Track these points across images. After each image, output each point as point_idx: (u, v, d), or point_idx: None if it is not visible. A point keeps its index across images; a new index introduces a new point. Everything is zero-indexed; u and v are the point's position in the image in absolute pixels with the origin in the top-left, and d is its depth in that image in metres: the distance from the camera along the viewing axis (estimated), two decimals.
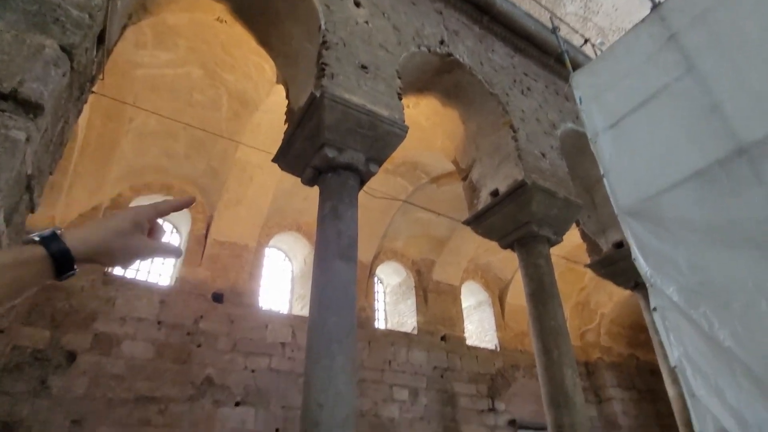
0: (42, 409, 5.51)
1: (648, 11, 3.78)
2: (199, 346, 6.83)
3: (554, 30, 5.51)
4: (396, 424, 8.14)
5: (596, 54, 6.76)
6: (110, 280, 6.63)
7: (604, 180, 3.79)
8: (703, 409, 3.19)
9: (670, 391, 6.22)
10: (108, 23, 2.95)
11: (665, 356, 6.25)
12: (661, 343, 6.37)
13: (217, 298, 7.30)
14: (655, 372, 11.98)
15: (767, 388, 2.95)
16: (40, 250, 0.63)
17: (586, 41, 7.84)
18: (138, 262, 0.74)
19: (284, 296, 8.90)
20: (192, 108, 6.81)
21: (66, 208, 6.41)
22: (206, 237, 7.63)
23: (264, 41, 5.08)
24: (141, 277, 7.33)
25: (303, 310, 8.34)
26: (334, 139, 3.91)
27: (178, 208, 0.78)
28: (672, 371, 6.22)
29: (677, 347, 3.42)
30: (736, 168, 3.28)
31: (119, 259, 0.71)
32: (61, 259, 0.64)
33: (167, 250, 0.76)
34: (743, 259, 3.21)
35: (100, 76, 3.52)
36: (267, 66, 5.85)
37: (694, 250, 3.54)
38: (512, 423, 9.69)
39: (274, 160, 4.38)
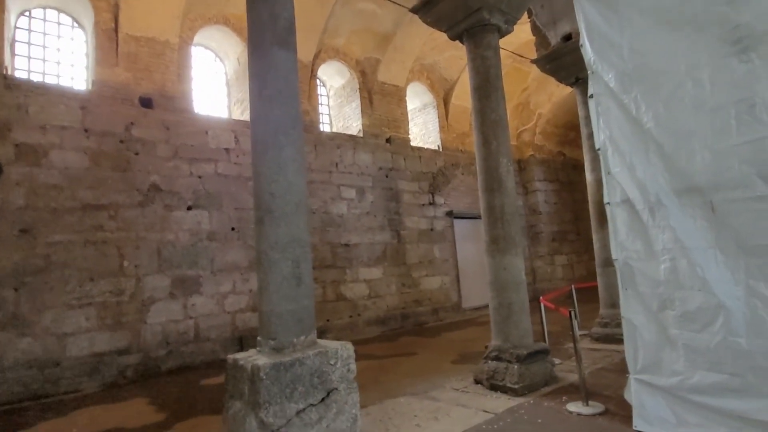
0: None
1: None
2: (137, 153, 6.58)
3: None
4: (345, 219, 8.88)
5: None
6: (15, 85, 5.84)
7: None
8: (614, 183, 3.62)
9: (588, 177, 6.99)
10: None
11: (590, 147, 6.82)
12: (588, 136, 6.89)
13: (146, 102, 6.75)
14: (577, 166, 13.36)
15: (671, 162, 3.33)
16: None
17: None
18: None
19: (221, 101, 8.40)
20: None
21: None
22: (116, 31, 6.59)
23: None
24: (50, 81, 6.50)
25: (243, 114, 8.02)
26: None
27: None
28: (592, 160, 6.91)
29: (604, 130, 3.69)
30: None
31: None
32: None
33: None
34: (682, 41, 3.24)
35: None
36: None
37: (638, 34, 3.51)
38: (449, 213, 10.88)
39: None
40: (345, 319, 8.52)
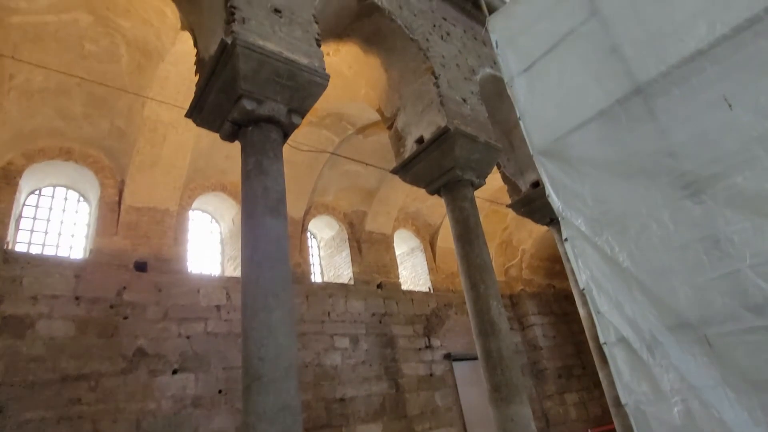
0: None
1: None
2: (125, 318, 6.50)
3: None
4: (339, 371, 8.45)
5: None
6: (13, 258, 6.00)
7: (521, 122, 3.99)
8: (606, 322, 3.63)
9: (581, 311, 6.99)
10: None
11: (576, 281, 6.97)
12: (573, 271, 7.07)
13: (141, 267, 6.90)
14: (569, 297, 13.35)
15: (656, 298, 3.41)
16: None
17: None
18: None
19: (215, 258, 8.63)
20: (85, 60, 6.07)
21: None
22: (119, 203, 7.07)
23: None
24: (49, 252, 6.72)
25: (236, 271, 8.17)
26: (251, 90, 3.70)
27: None
28: (582, 294, 6.98)
29: (585, 271, 3.82)
30: (633, 106, 3.57)
31: None
32: None
33: None
34: (637, 189, 3.58)
35: None
36: (168, 10, 5.31)
37: (597, 185, 3.88)
38: (447, 356, 10.45)
39: (187, 116, 4.08)
40: None
